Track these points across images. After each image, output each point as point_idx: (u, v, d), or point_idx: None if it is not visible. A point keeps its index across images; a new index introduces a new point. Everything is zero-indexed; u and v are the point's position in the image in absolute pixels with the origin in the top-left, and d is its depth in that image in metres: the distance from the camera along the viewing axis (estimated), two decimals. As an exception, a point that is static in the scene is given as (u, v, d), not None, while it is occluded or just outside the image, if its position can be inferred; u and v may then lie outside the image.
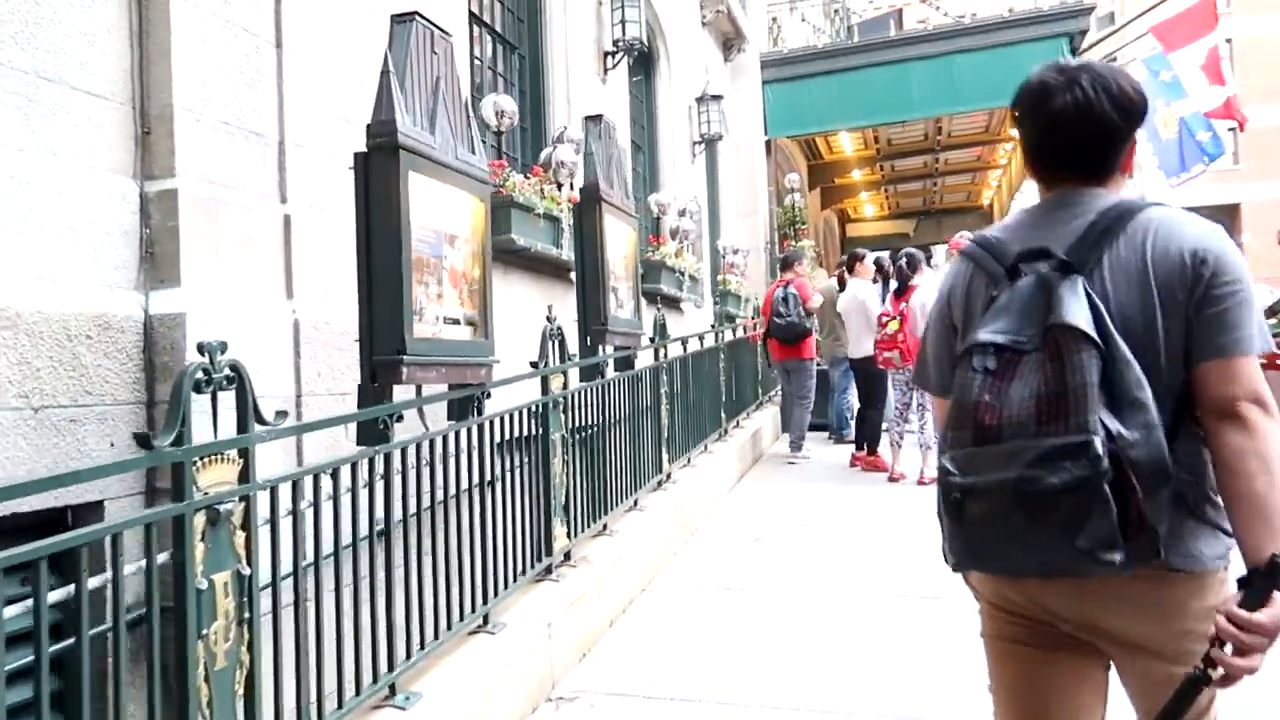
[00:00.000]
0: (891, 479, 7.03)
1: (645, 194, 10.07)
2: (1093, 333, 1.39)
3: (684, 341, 6.21)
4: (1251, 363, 1.44)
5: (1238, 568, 1.41)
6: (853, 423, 8.21)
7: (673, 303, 9.34)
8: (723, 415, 7.28)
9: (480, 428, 3.24)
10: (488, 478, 3.22)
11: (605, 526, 4.43)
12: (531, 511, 3.69)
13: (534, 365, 3.81)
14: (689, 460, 6.14)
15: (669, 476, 5.55)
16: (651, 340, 5.38)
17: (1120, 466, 1.35)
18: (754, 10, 13.74)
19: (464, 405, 3.24)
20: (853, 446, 7.91)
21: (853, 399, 8.23)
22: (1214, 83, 16.71)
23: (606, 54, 8.11)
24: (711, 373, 7.08)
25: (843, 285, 8.39)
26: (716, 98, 10.87)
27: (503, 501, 3.38)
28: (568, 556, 3.97)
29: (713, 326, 7.28)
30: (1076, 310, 1.41)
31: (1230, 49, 25.00)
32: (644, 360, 5.35)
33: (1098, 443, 1.35)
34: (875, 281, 8.73)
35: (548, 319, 3.97)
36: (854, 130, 16.54)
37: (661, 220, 9.85)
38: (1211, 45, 16.38)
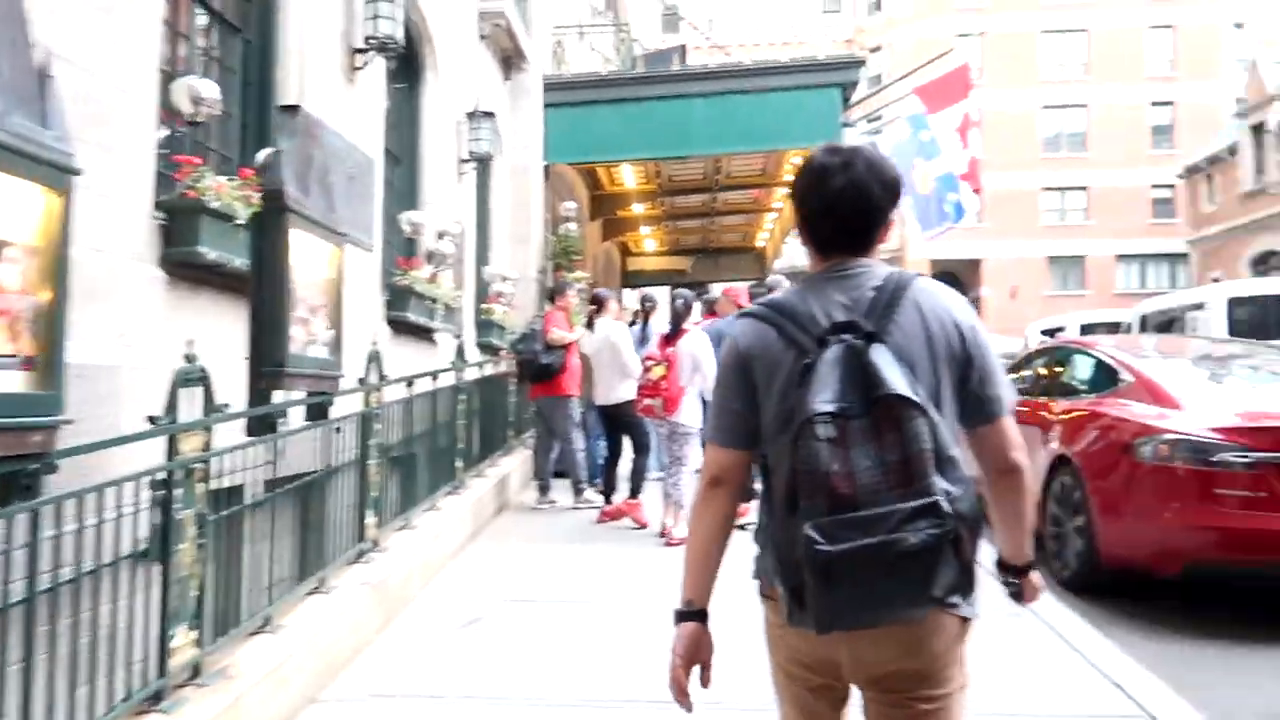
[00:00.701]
0: (666, 539, 6.30)
1: (401, 210, 9.10)
2: (920, 400, 1.53)
3: (409, 381, 5.31)
4: (1012, 419, 1.73)
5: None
6: (599, 474, 7.54)
7: (424, 333, 8.39)
8: (459, 465, 6.41)
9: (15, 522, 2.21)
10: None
11: (267, 621, 3.46)
12: (142, 619, 2.70)
13: (153, 421, 2.83)
14: (407, 522, 5.23)
15: (375, 545, 4.63)
16: (361, 382, 4.45)
17: (955, 519, 1.54)
18: (538, 31, 13.08)
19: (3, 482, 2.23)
20: (601, 499, 7.25)
21: (603, 448, 7.60)
22: (965, 147, 17.75)
23: (356, 50, 7.12)
24: (446, 416, 6.21)
25: (589, 323, 7.71)
26: (488, 114, 10.06)
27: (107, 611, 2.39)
28: (196, 672, 2.98)
29: (451, 363, 6.41)
30: (898, 379, 1.54)
31: (981, 117, 26.89)
32: (353, 405, 4.44)
33: (943, 502, 1.52)
34: (633, 324, 8.20)
35: (186, 358, 3.00)
36: (635, 162, 16.24)
37: (416, 241, 8.90)
38: (965, 111, 17.35)
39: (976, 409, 1.70)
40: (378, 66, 7.40)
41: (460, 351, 6.66)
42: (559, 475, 8.57)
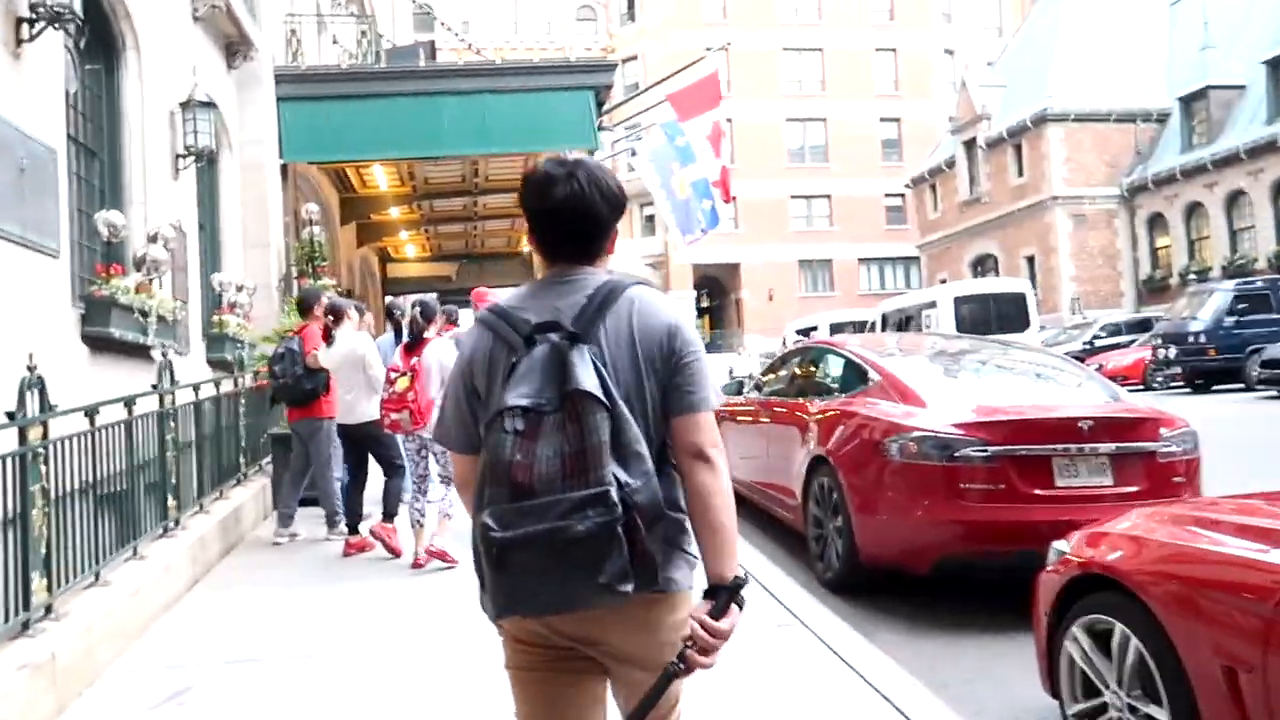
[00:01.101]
0: (416, 564, 5.86)
1: (101, 211, 7.94)
2: (602, 396, 1.63)
3: (91, 413, 4.46)
4: (710, 417, 1.81)
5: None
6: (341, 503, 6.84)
7: (135, 350, 7.33)
8: (171, 502, 5.54)
9: None
10: None
11: None
12: None
13: None
14: (97, 577, 4.39)
15: (48, 611, 3.80)
16: (10, 416, 3.62)
17: (628, 510, 1.61)
18: (269, 18, 12.01)
19: None
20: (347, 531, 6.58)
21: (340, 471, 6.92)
22: (716, 154, 18.26)
23: (22, 20, 6.03)
24: (152, 447, 5.34)
25: (325, 335, 6.96)
26: (207, 104, 9.01)
27: None
28: None
29: (153, 386, 5.54)
30: (587, 377, 1.64)
31: (730, 128, 27.98)
32: (6, 443, 3.61)
33: (613, 492, 1.59)
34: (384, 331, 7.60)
35: None
36: (385, 163, 15.39)
37: (119, 246, 7.78)
38: (715, 119, 17.84)
39: (677, 402, 1.77)
40: (53, 41, 6.33)
41: (168, 371, 5.76)
42: (304, 504, 7.77)
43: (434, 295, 7.20)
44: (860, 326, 23.58)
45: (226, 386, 7.51)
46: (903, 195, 40.95)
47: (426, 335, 6.20)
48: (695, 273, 41.61)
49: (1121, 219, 28.68)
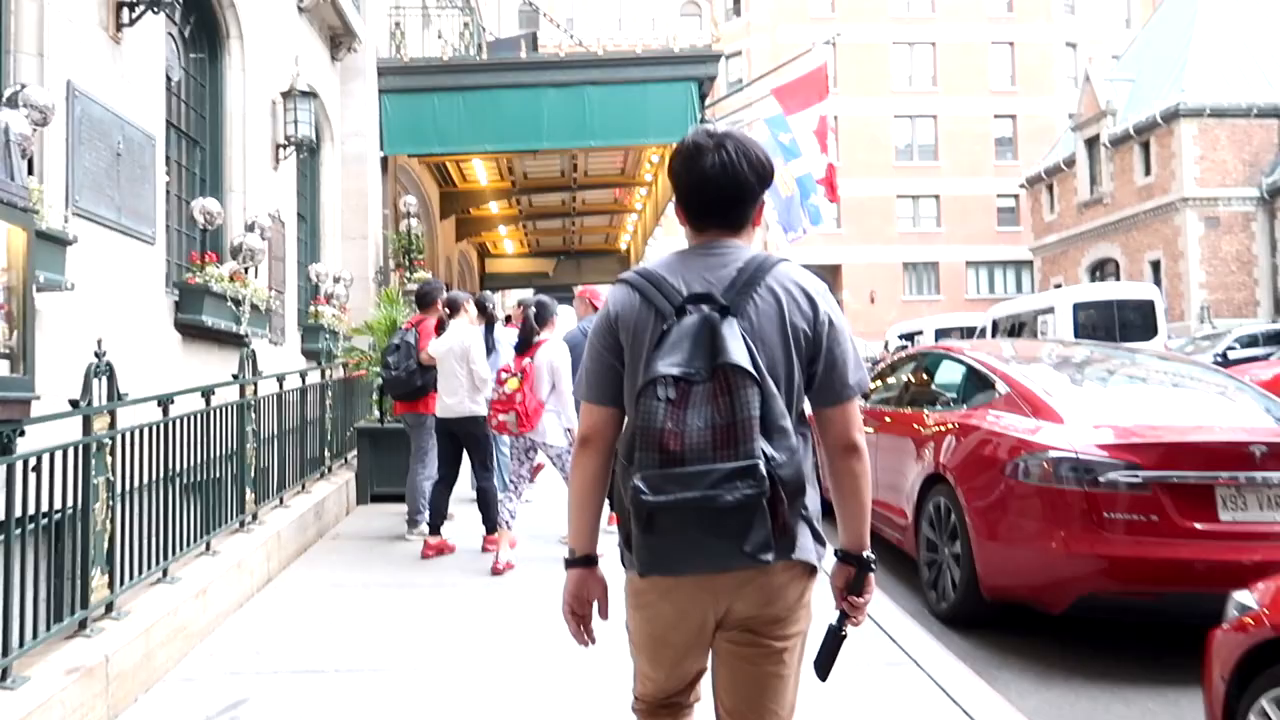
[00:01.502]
0: (495, 570, 5.59)
1: (198, 198, 7.96)
2: (754, 371, 1.67)
3: (164, 403, 4.28)
4: (857, 404, 1.88)
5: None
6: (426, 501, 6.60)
7: (228, 339, 7.28)
8: (249, 496, 5.38)
9: None
10: None
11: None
12: None
13: None
14: (165, 573, 4.22)
15: (109, 610, 3.63)
16: (74, 405, 3.43)
17: (773, 483, 1.66)
18: (373, 9, 12.00)
19: None
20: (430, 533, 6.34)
21: (432, 470, 6.69)
22: (822, 150, 17.62)
23: (122, 4, 5.99)
24: (232, 439, 5.18)
25: (439, 328, 6.82)
26: (309, 94, 8.96)
27: None
28: None
29: (234, 376, 5.39)
30: (739, 351, 1.69)
31: (836, 124, 27.16)
32: (69, 433, 3.44)
33: (761, 465, 1.64)
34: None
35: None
36: (485, 156, 15.30)
37: (215, 234, 7.76)
38: (822, 114, 17.21)
39: (824, 390, 1.83)
40: (154, 26, 6.27)
41: (250, 360, 5.62)
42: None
43: (546, 296, 6.88)
44: (968, 332, 22.56)
45: (314, 377, 7.38)
46: (1016, 196, 39.23)
47: (540, 337, 5.96)
48: (796, 273, 40.74)
49: (1259, 222, 26.69)
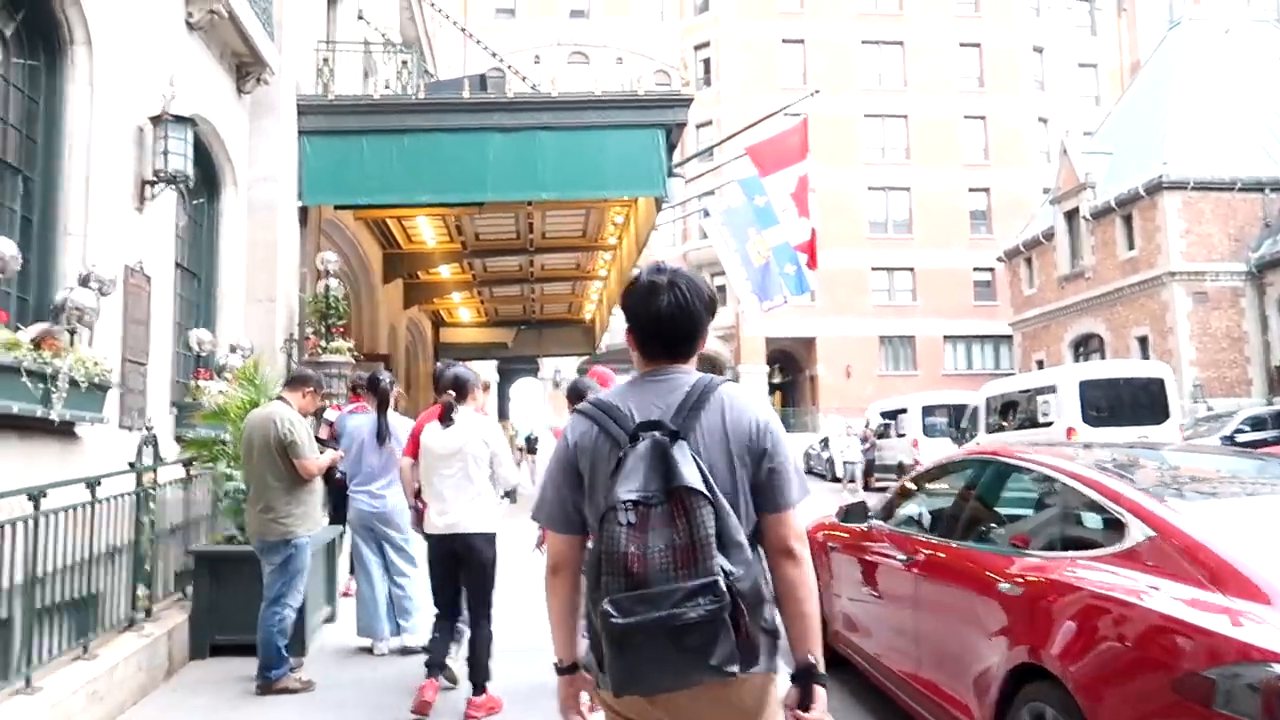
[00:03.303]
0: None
1: (35, 247, 6.16)
2: (706, 492, 1.79)
3: None
4: (797, 512, 1.99)
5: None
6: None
7: (30, 425, 5.37)
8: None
9: None
10: None
11: None
12: None
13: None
14: None
15: None
16: None
17: (734, 596, 1.76)
18: (294, 41, 10.38)
19: None
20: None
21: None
22: (802, 214, 16.08)
23: None
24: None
25: (446, 414, 5.00)
26: (183, 120, 7.21)
27: None
28: None
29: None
30: (691, 473, 1.80)
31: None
32: None
33: (721, 581, 1.75)
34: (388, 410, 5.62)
35: None
36: (430, 214, 13.63)
37: (41, 289, 5.93)
38: (802, 174, 15.73)
39: (768, 499, 1.96)
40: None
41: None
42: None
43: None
44: (957, 411, 20.95)
45: (121, 484, 5.36)
46: (992, 269, 38.28)
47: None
48: (768, 346, 39.34)
49: (1249, 298, 25.60)
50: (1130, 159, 27.61)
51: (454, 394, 5.00)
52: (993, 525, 3.88)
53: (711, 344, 39.66)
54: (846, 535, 4.88)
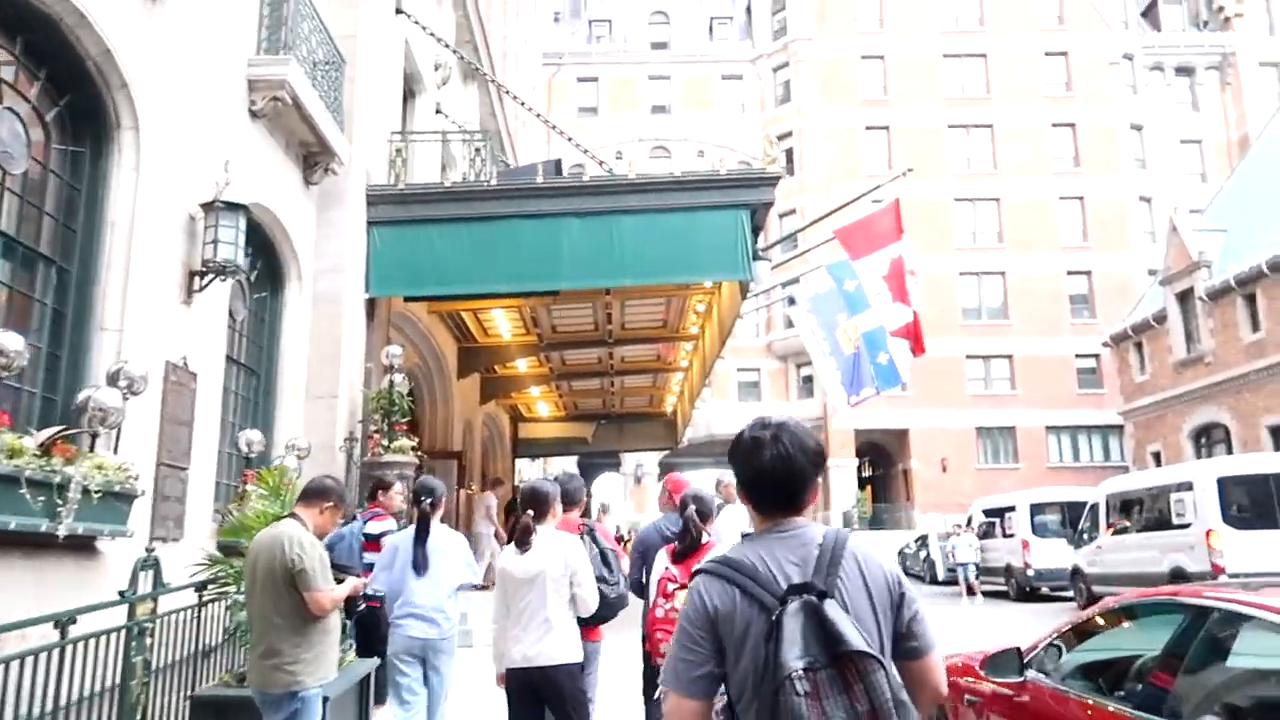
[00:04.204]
0: None
1: (55, 337, 5.69)
2: (876, 654, 1.78)
3: None
4: (939, 654, 2.05)
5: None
6: None
7: (41, 542, 4.77)
8: None
9: None
10: None
11: None
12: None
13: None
14: None
15: None
16: None
17: None
18: (365, 131, 10.14)
19: None
20: None
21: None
22: (897, 299, 15.12)
23: None
24: None
25: (524, 536, 4.38)
26: (236, 207, 6.80)
27: None
28: None
29: None
30: (854, 635, 1.78)
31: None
32: None
33: None
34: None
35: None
36: (505, 305, 13.17)
37: (69, 389, 5.43)
38: (895, 256, 14.86)
39: (910, 648, 2.00)
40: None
41: None
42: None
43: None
44: (1070, 509, 19.27)
45: (100, 620, 4.56)
46: (1097, 356, 36.28)
47: (706, 539, 4.45)
48: (857, 439, 37.78)
49: (1395, 382, 23.36)
50: (1247, 236, 25.92)
51: (531, 513, 4.46)
52: (1223, 699, 2.83)
53: (799, 437, 38.30)
54: (993, 690, 3.85)
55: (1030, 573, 19.21)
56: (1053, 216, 38.45)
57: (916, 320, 14.06)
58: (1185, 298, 28.13)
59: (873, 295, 14.95)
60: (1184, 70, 40.88)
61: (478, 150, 11.00)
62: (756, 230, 10.42)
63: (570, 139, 11.96)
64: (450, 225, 10.00)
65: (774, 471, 1.99)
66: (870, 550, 2.01)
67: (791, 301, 18.34)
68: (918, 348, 14.19)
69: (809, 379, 37.19)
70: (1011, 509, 20.74)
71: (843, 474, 37.20)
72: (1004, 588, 20.31)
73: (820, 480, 2.11)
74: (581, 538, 4.77)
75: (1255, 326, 25.22)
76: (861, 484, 39.35)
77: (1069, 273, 38.04)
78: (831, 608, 1.80)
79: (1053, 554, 18.61)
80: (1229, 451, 25.94)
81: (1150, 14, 42.30)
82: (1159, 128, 39.81)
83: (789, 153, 39.93)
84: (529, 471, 25.94)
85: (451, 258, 9.92)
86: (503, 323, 14.51)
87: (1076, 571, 17.25)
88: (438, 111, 13.84)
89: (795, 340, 17.38)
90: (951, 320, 37.27)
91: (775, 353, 39.45)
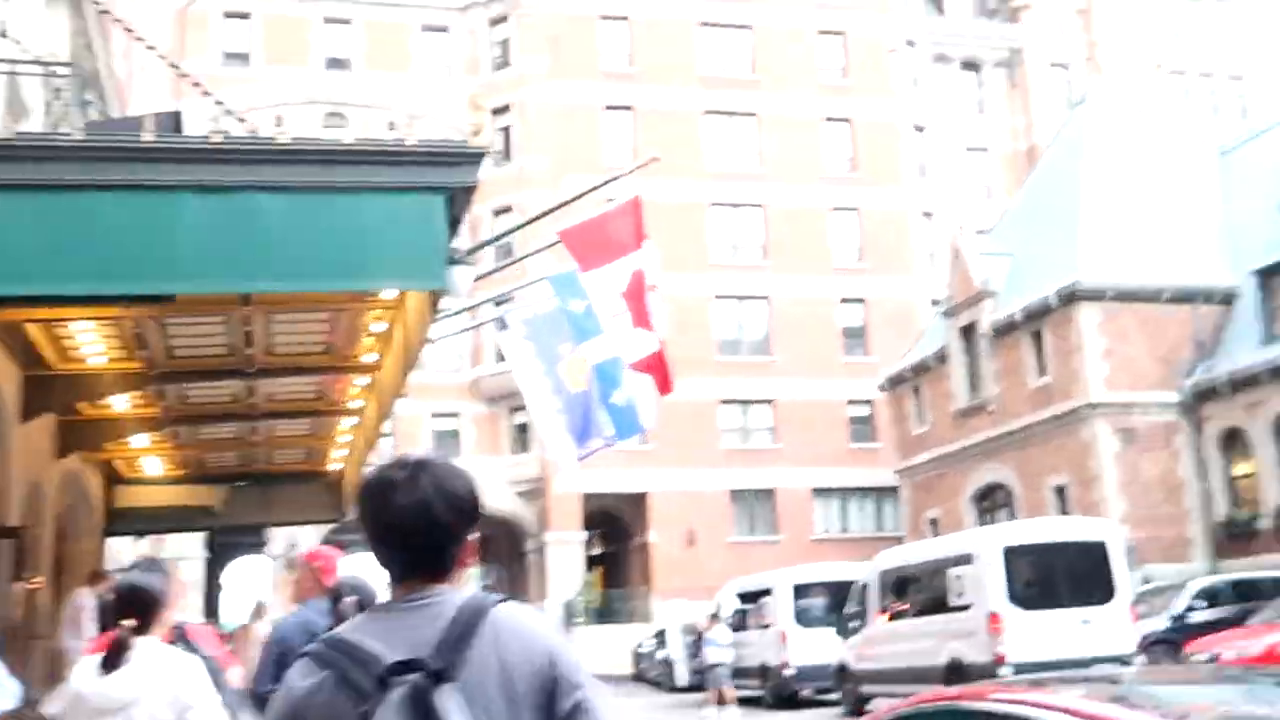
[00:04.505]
0: None
1: None
2: None
3: None
4: None
5: None
6: None
7: None
8: None
9: None
10: None
11: None
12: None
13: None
14: None
15: None
16: None
17: None
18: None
19: None
20: None
21: None
22: (639, 323, 15.61)
23: None
24: None
25: (116, 650, 3.97)
26: None
27: None
28: None
29: None
30: None
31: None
32: None
33: None
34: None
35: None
36: (93, 315, 12.18)
37: None
38: (636, 268, 15.35)
39: None
40: None
41: None
42: None
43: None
44: (841, 590, 20.56)
45: None
46: (872, 402, 39.47)
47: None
48: (586, 505, 38.56)
49: (1185, 435, 27.16)
50: (1036, 263, 29.28)
51: (135, 622, 4.18)
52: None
53: (509, 504, 38.52)
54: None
55: (790, 672, 20.26)
56: (825, 231, 41.51)
57: (663, 349, 14.52)
58: (969, 333, 31.23)
59: (607, 318, 15.29)
60: (970, 65, 45.83)
61: (58, 91, 10.15)
62: (455, 224, 10.29)
63: (205, 91, 11.39)
64: (10, 194, 9.14)
65: (407, 523, 2.00)
66: (523, 620, 2.02)
67: (503, 326, 18.44)
68: (664, 385, 14.65)
69: (525, 427, 37.48)
70: (768, 592, 21.89)
71: (565, 551, 37.80)
72: (759, 692, 21.28)
73: (474, 538, 2.10)
74: (174, 644, 4.46)
75: (1042, 370, 28.44)
76: (591, 563, 40.09)
77: (843, 300, 41.21)
78: (445, 695, 1.82)
79: (818, 647, 19.75)
80: (1012, 517, 28.99)
81: (935, -4, 47.09)
82: (943, 131, 44.31)
83: (506, 132, 40.46)
84: (131, 553, 24.26)
85: (10, 241, 9.05)
86: (91, 341, 13.44)
87: (843, 669, 18.42)
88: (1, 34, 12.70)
89: (509, 377, 17.48)
90: (705, 355, 39.09)
91: (483, 393, 39.52)
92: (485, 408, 39.88)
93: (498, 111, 40.64)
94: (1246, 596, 20.01)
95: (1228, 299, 27.66)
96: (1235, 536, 26.32)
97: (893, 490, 37.17)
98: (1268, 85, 45.61)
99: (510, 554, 41.71)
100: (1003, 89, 45.88)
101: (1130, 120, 33.16)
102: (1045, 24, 45.79)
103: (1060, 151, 33.90)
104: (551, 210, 16.24)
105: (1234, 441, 26.72)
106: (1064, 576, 14.95)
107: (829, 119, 42.55)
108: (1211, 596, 20.34)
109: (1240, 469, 26.74)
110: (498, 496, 38.67)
